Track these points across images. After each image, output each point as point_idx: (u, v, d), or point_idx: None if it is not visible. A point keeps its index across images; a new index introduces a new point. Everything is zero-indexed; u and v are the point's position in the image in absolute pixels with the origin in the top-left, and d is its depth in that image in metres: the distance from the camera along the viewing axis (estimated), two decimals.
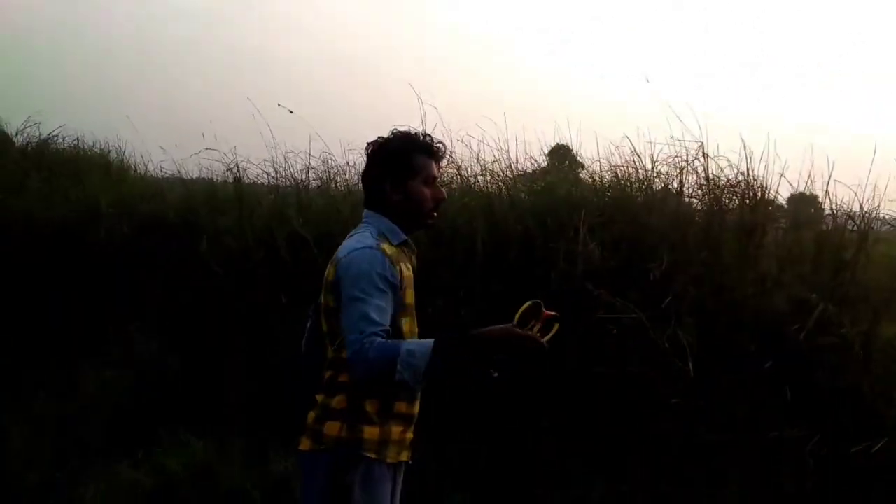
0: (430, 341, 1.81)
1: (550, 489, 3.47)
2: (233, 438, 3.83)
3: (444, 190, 2.13)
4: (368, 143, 2.10)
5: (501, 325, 1.87)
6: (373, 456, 1.93)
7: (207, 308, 5.22)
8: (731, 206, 4.21)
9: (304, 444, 2.00)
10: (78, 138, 8.35)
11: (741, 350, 3.53)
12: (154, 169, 7.67)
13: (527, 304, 1.82)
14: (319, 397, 1.99)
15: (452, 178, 5.02)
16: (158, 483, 3.30)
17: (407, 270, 2.00)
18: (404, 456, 2.06)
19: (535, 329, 1.81)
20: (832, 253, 3.83)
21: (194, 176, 6.94)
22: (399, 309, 1.94)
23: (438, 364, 1.79)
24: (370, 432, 1.93)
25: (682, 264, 3.88)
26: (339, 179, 5.67)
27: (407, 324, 2.00)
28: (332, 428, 1.93)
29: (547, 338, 1.82)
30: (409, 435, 2.06)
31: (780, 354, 3.49)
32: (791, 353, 3.48)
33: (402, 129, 2.10)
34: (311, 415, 2.00)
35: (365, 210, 2.09)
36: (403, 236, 2.03)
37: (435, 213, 2.08)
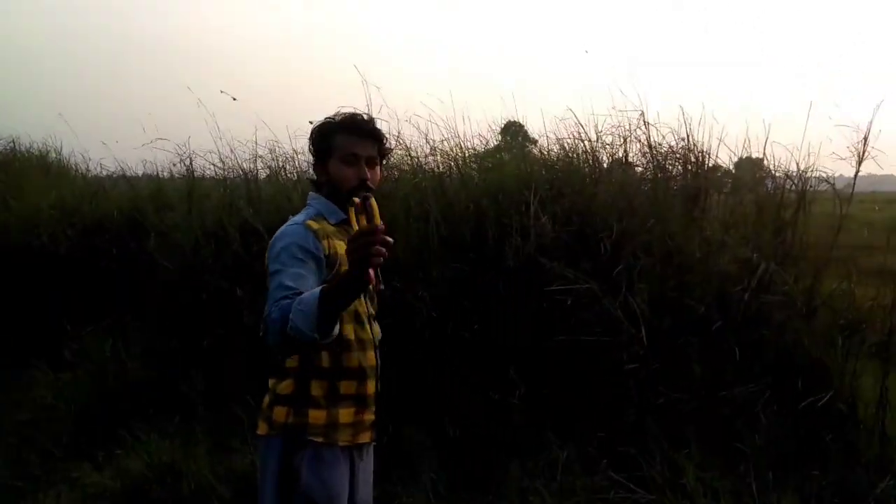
0: (315, 291, 1.63)
1: (521, 458, 3.54)
2: (196, 435, 3.80)
3: (367, 168, 2.01)
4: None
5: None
6: (320, 440, 1.94)
7: (160, 306, 5.15)
8: (674, 173, 4.31)
9: (261, 429, 2.01)
10: (13, 140, 8.09)
11: (691, 313, 3.64)
12: (95, 168, 7.48)
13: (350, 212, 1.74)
14: (271, 382, 2.01)
15: (402, 159, 5.02)
16: (125, 485, 3.26)
17: (343, 247, 1.82)
18: (364, 438, 2.06)
19: (363, 222, 1.65)
20: (773, 213, 3.96)
21: (139, 173, 6.79)
22: None
23: (327, 304, 1.61)
24: (316, 416, 1.94)
25: (630, 233, 3.96)
26: (287, 167, 5.60)
27: (354, 305, 1.90)
28: (279, 413, 1.95)
29: (375, 218, 1.64)
30: (368, 416, 2.06)
31: (727, 315, 3.62)
32: (738, 312, 3.60)
33: (345, 111, 2.07)
34: (265, 399, 2.01)
35: (310, 193, 2.12)
36: (343, 215, 2.01)
37: (362, 191, 1.90)
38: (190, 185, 5.75)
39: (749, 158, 4.49)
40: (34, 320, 5.63)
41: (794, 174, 3.94)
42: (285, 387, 1.96)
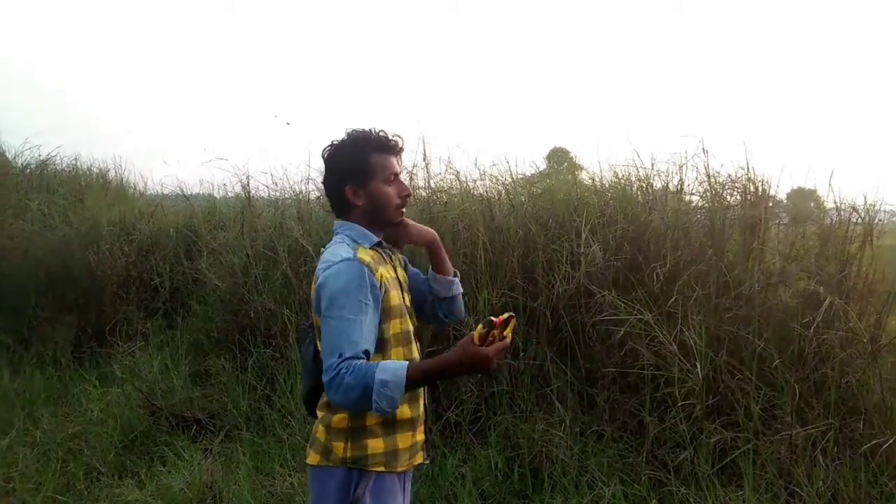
0: (402, 370, 1.70)
1: (566, 495, 3.42)
2: (238, 456, 3.80)
3: (407, 184, 2.04)
4: (324, 149, 2.01)
5: (462, 345, 1.73)
6: (381, 469, 1.90)
7: (210, 324, 5.21)
8: (732, 202, 4.17)
9: (313, 459, 1.96)
10: (76, 158, 8.40)
11: (748, 348, 3.49)
12: (154, 186, 7.71)
13: (480, 327, 1.72)
14: (321, 414, 1.96)
15: (452, 183, 5.00)
16: None
17: (388, 272, 1.94)
18: (418, 459, 2.03)
19: (496, 338, 1.73)
20: (837, 246, 3.79)
21: (195, 191, 6.95)
22: (383, 315, 1.88)
23: (417, 384, 1.77)
24: (375, 446, 1.90)
25: (685, 263, 3.84)
26: None
27: (395, 326, 1.92)
28: (338, 447, 1.90)
29: (507, 334, 1.75)
30: (420, 437, 2.02)
31: (786, 351, 3.45)
32: (798, 349, 3.44)
33: (356, 129, 2.00)
34: (318, 429, 1.96)
35: (335, 221, 2.02)
36: (376, 238, 1.97)
37: (403, 209, 2.01)
38: (243, 204, 5.85)
39: (801, 189, 4.33)
40: (88, 334, 5.78)
41: (861, 206, 3.77)
42: (339, 420, 1.90)
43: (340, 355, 1.72)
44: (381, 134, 1.97)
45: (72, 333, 5.79)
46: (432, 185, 4.93)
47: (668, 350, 3.47)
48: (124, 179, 8.26)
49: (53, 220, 6.62)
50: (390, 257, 2.04)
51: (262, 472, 3.68)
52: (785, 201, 4.66)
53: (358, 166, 1.94)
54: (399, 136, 2.01)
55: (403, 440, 1.95)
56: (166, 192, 7.19)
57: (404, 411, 1.93)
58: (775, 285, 3.67)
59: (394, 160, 1.98)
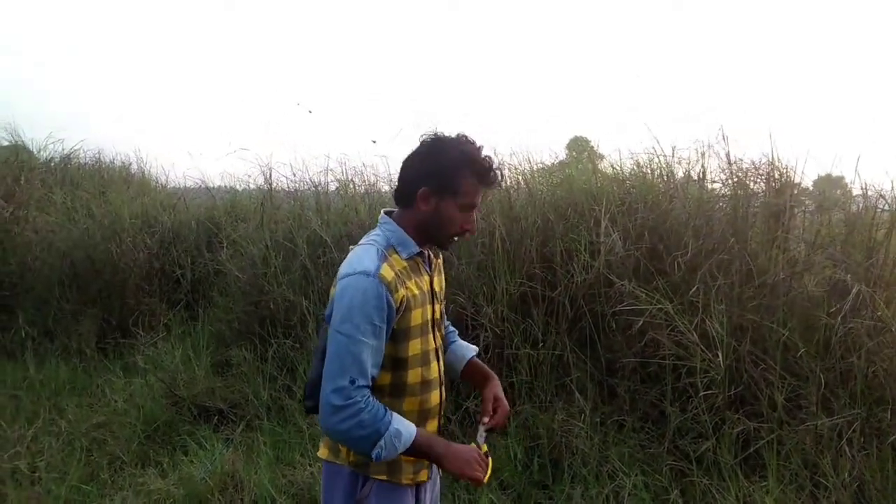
0: (412, 431, 1.76)
1: (585, 485, 3.40)
2: (259, 446, 3.83)
3: (475, 223, 1.92)
4: (426, 136, 1.88)
5: (468, 449, 1.85)
6: (384, 478, 1.87)
7: (231, 315, 5.25)
8: (756, 189, 4.10)
9: (323, 453, 1.95)
10: (99, 151, 8.50)
11: (772, 337, 3.43)
12: (176, 179, 7.78)
13: (485, 447, 1.94)
14: None
15: None
16: (188, 493, 3.29)
17: (417, 286, 1.85)
18: (423, 476, 1.96)
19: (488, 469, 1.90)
20: (864, 233, 3.70)
21: (217, 184, 7.00)
22: (401, 335, 1.82)
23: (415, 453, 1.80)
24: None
25: (707, 252, 3.78)
26: (356, 181, 5.66)
27: (414, 346, 1.86)
28: (344, 448, 1.87)
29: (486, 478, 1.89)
30: None
31: (811, 340, 3.39)
32: (824, 338, 3.37)
33: (470, 140, 1.87)
34: None
35: (382, 213, 1.92)
36: (416, 249, 1.87)
37: (455, 239, 1.92)
38: (264, 195, 5.88)
39: (829, 176, 4.24)
40: (112, 326, 5.85)
41: (888, 192, 3.69)
42: None
43: (353, 381, 1.70)
44: (487, 163, 1.85)
45: (96, 325, 5.86)
46: None
47: (689, 340, 3.42)
48: (146, 173, 8.36)
49: (77, 213, 6.69)
50: (430, 265, 1.97)
51: (283, 462, 3.70)
52: (811, 188, 4.56)
53: (448, 177, 1.82)
54: (499, 171, 1.91)
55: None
56: (188, 185, 7.26)
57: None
58: (800, 274, 3.60)
59: (481, 192, 1.89)
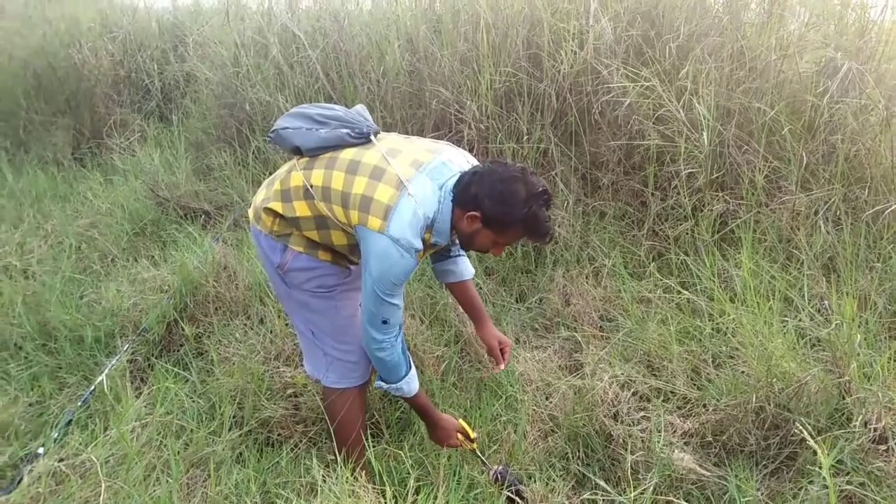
0: (416, 385, 2.15)
1: (566, 267, 3.52)
2: (248, 240, 3.86)
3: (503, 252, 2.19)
4: (517, 168, 1.96)
5: (454, 421, 2.26)
6: (300, 250, 2.10)
7: (206, 122, 5.11)
8: None
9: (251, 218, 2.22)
10: None
11: (759, 119, 3.42)
12: None
13: (471, 431, 2.28)
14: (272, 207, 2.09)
15: None
16: (183, 279, 3.33)
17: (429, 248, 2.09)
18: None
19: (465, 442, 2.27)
20: (858, 13, 3.58)
21: None
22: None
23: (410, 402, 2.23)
24: (297, 243, 2.13)
25: (700, 35, 3.66)
26: None
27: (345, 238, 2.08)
28: (266, 220, 2.11)
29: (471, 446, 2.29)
30: None
31: (798, 121, 3.39)
32: (810, 119, 3.37)
33: (546, 194, 1.95)
34: (267, 209, 2.10)
35: (457, 178, 2.00)
36: (444, 244, 2.05)
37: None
38: None
39: None
40: (85, 136, 5.70)
41: None
42: (274, 221, 2.10)
43: (400, 327, 2.04)
44: (545, 229, 1.96)
45: (69, 136, 5.71)
46: None
47: (674, 126, 3.40)
48: None
49: (31, 18, 6.26)
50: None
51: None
52: None
53: (504, 223, 1.95)
54: (551, 234, 2.01)
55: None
56: None
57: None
58: (792, 56, 3.52)
59: (521, 240, 2.06)
